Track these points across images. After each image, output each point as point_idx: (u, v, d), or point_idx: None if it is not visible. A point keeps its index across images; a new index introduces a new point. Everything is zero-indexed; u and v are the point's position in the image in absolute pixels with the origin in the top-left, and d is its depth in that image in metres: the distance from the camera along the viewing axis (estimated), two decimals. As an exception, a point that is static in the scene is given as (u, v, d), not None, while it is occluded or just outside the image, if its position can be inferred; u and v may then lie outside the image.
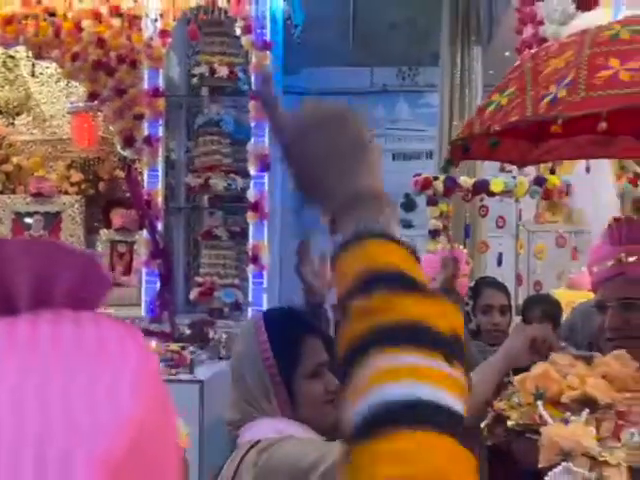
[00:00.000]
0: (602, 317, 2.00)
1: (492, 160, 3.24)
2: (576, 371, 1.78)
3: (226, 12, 6.55)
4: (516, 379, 1.81)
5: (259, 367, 1.62)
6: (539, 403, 1.72)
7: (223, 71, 6.61)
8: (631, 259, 1.99)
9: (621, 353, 1.84)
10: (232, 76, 6.65)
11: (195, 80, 6.74)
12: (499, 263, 5.73)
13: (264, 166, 6.35)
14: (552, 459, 1.61)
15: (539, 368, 1.79)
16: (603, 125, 1.98)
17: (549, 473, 1.59)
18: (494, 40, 6.80)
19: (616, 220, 2.09)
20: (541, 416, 1.71)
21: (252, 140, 6.38)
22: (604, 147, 2.68)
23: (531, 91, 2.20)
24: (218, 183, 6.58)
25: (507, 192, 5.46)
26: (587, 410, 1.70)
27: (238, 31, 6.53)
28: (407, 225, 7.93)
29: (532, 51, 2.51)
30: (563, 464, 1.59)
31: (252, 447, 1.56)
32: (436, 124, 6.71)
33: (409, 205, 7.65)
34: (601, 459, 1.61)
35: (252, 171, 6.44)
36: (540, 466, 1.61)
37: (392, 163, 7.97)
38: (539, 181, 5.45)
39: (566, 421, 1.68)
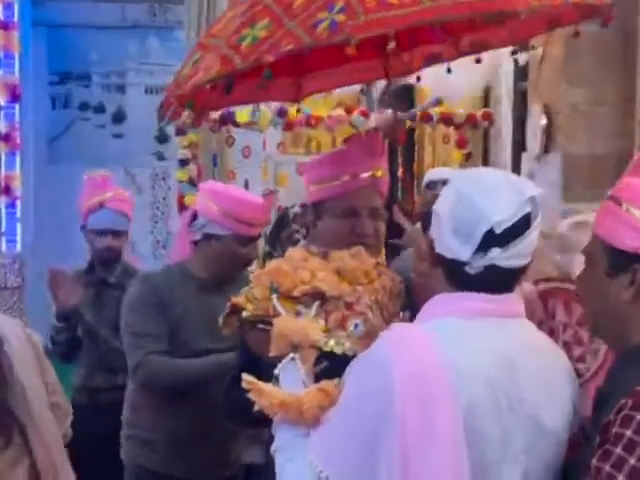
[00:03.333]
0: (350, 221, 2.11)
1: (260, 101, 3.20)
2: (310, 265, 1.81)
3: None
4: (253, 275, 1.83)
5: None
6: (274, 296, 1.74)
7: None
8: (382, 171, 2.14)
9: (359, 249, 1.89)
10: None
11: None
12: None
13: (14, 97, 6.22)
14: (282, 349, 1.63)
15: (273, 264, 1.82)
16: (392, 45, 2.00)
17: (279, 365, 1.62)
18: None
19: (366, 133, 2.23)
20: (275, 308, 1.73)
21: (1, 71, 6.18)
22: (378, 70, 2.77)
23: (292, 21, 2.13)
24: (-35, 114, 6.25)
25: (252, 123, 5.66)
26: (317, 303, 1.73)
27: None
28: (160, 157, 7.99)
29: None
30: (290, 355, 1.61)
31: None
32: (183, 59, 6.64)
33: (162, 137, 7.72)
34: (327, 349, 1.67)
35: (1, 102, 6.24)
36: (270, 355, 1.64)
37: (144, 97, 8.05)
38: (281, 113, 5.72)
39: (298, 313, 1.71)
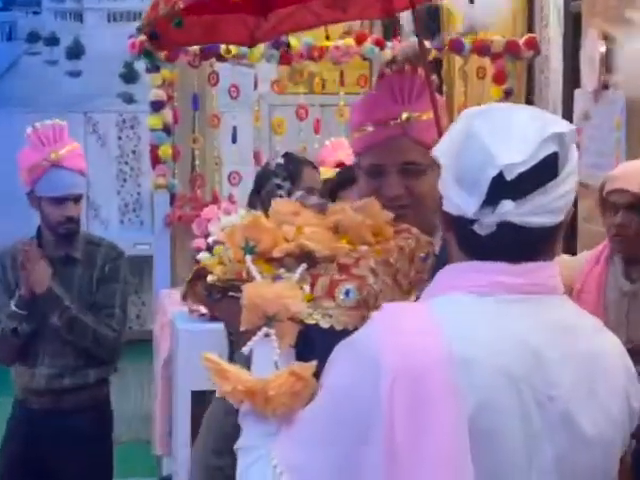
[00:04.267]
0: (377, 182, 2.07)
1: (207, 43, 3.52)
2: (300, 220, 1.74)
3: None
4: (225, 232, 1.76)
5: None
6: (248, 258, 1.66)
7: None
8: (415, 115, 2.06)
9: (370, 201, 1.82)
10: None
11: None
12: (234, 139, 5.84)
13: None
14: (255, 322, 1.58)
15: (249, 217, 1.74)
16: None
17: (248, 343, 1.56)
18: None
19: (396, 73, 2.26)
20: (249, 272, 1.65)
21: None
22: (341, 10, 2.69)
23: None
24: None
25: (240, 56, 5.52)
26: (304, 266, 1.65)
27: None
28: (128, 99, 7.84)
29: None
30: (264, 330, 1.56)
31: None
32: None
33: (130, 75, 7.60)
34: (310, 322, 1.61)
35: None
36: (242, 329, 1.59)
37: (108, 25, 7.87)
38: (277, 44, 5.54)
39: (278, 278, 1.64)
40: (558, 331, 1.48)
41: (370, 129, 2.08)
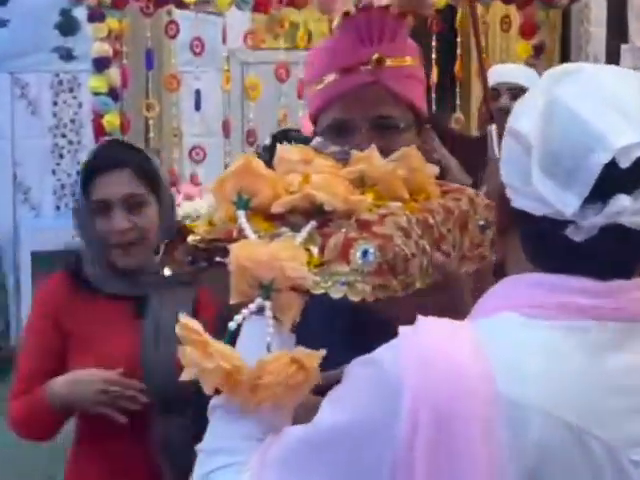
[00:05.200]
0: (345, 141, 2.01)
1: None
2: (311, 170, 1.69)
3: None
4: (214, 183, 1.71)
5: None
6: (241, 213, 1.61)
7: None
8: (389, 60, 2.05)
9: (409, 150, 1.78)
10: None
11: None
12: (197, 106, 5.77)
13: None
14: (247, 292, 1.53)
15: (240, 162, 1.68)
16: None
17: (235, 317, 1.51)
18: None
19: (362, 10, 2.03)
20: (241, 230, 1.60)
21: None
22: None
23: None
24: None
25: (205, 2, 5.35)
26: (313, 223, 1.59)
27: None
28: (67, 55, 7.60)
29: None
30: (257, 301, 1.51)
31: None
32: None
33: (68, 25, 7.43)
34: (318, 292, 1.54)
35: None
36: (232, 302, 1.56)
37: None
38: None
39: (279, 237, 1.59)
40: None
41: (333, 78, 2.04)
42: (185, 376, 1.47)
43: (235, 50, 6.15)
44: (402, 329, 1.39)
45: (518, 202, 1.39)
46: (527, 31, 5.75)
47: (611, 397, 1.35)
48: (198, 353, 1.46)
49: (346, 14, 2.07)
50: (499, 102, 4.19)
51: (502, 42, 6.33)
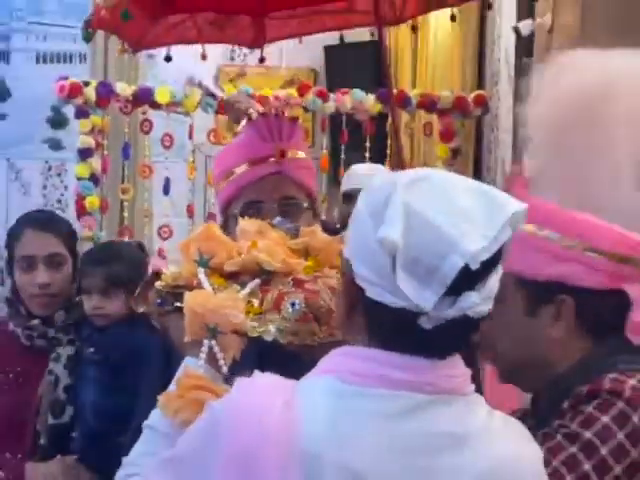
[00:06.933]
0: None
1: (212, 42, 3.41)
2: (263, 238, 1.79)
3: None
4: (180, 244, 1.81)
5: None
6: (200, 270, 1.71)
7: None
8: (289, 153, 2.16)
9: (314, 227, 1.90)
10: None
11: None
12: (166, 191, 5.87)
13: None
14: (198, 332, 1.61)
15: (203, 228, 1.79)
16: None
17: (199, 360, 1.61)
18: None
19: (262, 115, 2.32)
20: (199, 283, 1.69)
21: None
22: (221, 29, 2.96)
23: None
24: None
25: (175, 104, 5.56)
26: (257, 281, 1.70)
27: None
28: (56, 146, 7.79)
29: None
30: (206, 342, 1.60)
31: None
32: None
33: (58, 120, 7.56)
34: (254, 335, 1.64)
35: None
36: (186, 340, 1.63)
37: (36, 67, 7.85)
38: (213, 94, 5.63)
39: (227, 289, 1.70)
40: (442, 439, 1.37)
41: (243, 169, 2.15)
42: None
43: (200, 145, 6.15)
44: (239, 380, 1.42)
45: (373, 293, 1.37)
46: (446, 136, 5.93)
47: (398, 455, 1.34)
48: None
49: (249, 119, 2.28)
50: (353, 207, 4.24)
51: (425, 145, 6.32)
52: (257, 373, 1.41)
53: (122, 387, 2.92)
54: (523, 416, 1.74)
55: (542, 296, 1.69)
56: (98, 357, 3.01)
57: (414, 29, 3.90)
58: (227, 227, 2.14)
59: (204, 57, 3.28)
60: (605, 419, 1.57)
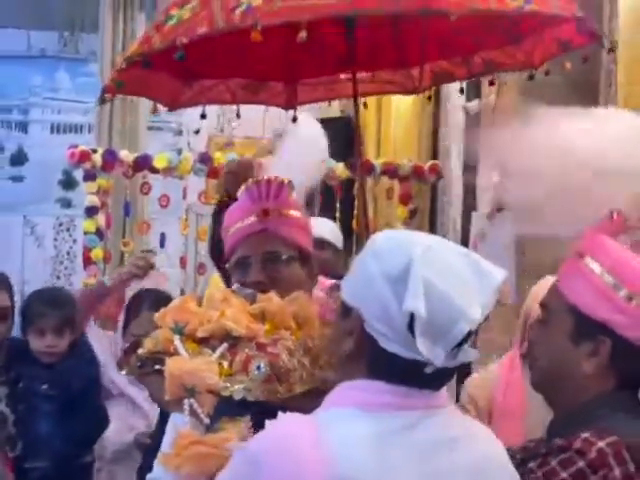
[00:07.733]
0: (246, 271, 2.19)
1: (144, 96, 3.44)
2: (228, 305, 1.84)
3: None
4: (157, 315, 1.86)
5: None
6: (176, 337, 1.77)
7: None
8: (273, 210, 2.20)
9: (299, 294, 1.94)
10: None
11: None
12: (162, 244, 5.93)
13: None
14: (177, 392, 1.68)
15: (178, 301, 1.86)
16: (303, 35, 2.20)
17: (184, 418, 1.68)
18: (159, 6, 6.66)
19: (255, 180, 2.33)
20: (176, 348, 1.76)
21: None
22: (253, 92, 3.00)
23: (217, 2, 2.32)
24: None
25: (171, 169, 5.65)
26: (225, 345, 1.76)
27: None
28: (67, 204, 7.92)
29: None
30: (185, 402, 1.68)
31: None
32: (97, 95, 6.68)
33: (69, 182, 7.71)
34: (226, 394, 1.70)
35: None
36: (167, 399, 1.70)
37: (51, 136, 8.07)
38: (204, 158, 5.76)
39: (200, 354, 1.76)
40: (442, 445, 1.49)
41: (235, 228, 2.21)
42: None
43: (192, 204, 6.30)
44: (268, 422, 1.46)
45: (387, 345, 1.46)
46: (404, 199, 6.14)
47: (416, 462, 1.45)
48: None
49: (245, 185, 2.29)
50: (325, 251, 4.14)
51: (387, 207, 6.43)
52: (280, 415, 1.46)
53: (84, 412, 3.15)
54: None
55: (587, 331, 1.72)
56: (54, 392, 3.12)
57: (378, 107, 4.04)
58: (231, 275, 2.25)
59: (204, 116, 3.36)
60: (564, 475, 1.63)
